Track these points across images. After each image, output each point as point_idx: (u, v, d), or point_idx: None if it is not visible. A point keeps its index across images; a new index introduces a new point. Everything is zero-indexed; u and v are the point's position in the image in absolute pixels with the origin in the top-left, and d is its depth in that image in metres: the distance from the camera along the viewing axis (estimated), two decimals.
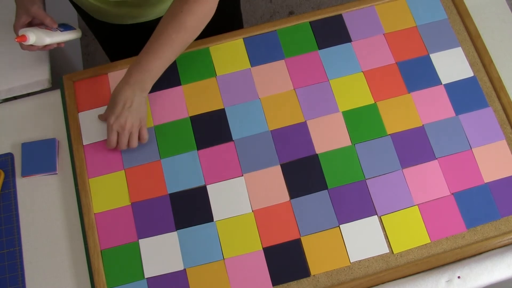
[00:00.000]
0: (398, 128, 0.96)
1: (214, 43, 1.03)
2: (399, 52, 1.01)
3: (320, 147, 0.95)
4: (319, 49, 1.02)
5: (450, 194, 0.92)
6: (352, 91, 0.99)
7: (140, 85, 0.89)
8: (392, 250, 0.88)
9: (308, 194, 0.92)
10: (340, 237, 0.89)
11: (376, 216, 0.90)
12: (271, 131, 0.96)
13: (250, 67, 1.01)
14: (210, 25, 0.94)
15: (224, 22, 1.16)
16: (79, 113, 0.98)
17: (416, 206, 0.91)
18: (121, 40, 1.17)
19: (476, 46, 1.01)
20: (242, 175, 0.93)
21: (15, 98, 1.03)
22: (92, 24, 1.15)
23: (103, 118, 0.95)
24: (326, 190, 0.92)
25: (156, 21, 1.02)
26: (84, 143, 0.96)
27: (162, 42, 0.87)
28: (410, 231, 0.89)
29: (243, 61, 1.02)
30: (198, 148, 0.95)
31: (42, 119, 0.99)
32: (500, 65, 1.01)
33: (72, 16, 1.75)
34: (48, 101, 1.01)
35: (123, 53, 1.07)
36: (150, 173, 0.93)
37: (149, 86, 0.90)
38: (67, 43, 0.98)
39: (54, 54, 1.19)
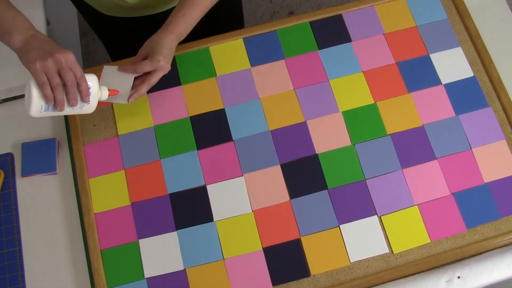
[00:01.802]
0: (398, 128, 0.96)
1: (214, 43, 1.03)
2: (399, 52, 1.01)
3: (320, 147, 0.95)
4: (319, 49, 1.02)
5: (450, 194, 0.92)
6: (352, 91, 0.99)
7: (182, 36, 0.93)
8: (392, 250, 0.88)
9: (308, 194, 0.92)
10: (340, 237, 0.89)
11: (376, 216, 0.90)
12: (271, 131, 0.96)
13: (250, 67, 1.01)
14: (211, 25, 0.95)
15: (226, 22, 1.16)
16: (79, 114, 0.98)
17: (416, 206, 0.91)
18: (127, 36, 1.17)
19: (476, 46, 1.01)
20: (242, 175, 0.93)
21: (15, 98, 1.03)
22: (97, 21, 1.15)
23: (159, 64, 0.89)
24: (326, 190, 0.92)
25: (167, 13, 1.03)
26: (84, 143, 0.96)
27: None
28: (410, 231, 0.89)
29: (243, 61, 1.02)
30: (198, 148, 0.95)
31: (42, 119, 0.99)
32: (500, 65, 1.01)
33: (71, 14, 1.75)
34: None
35: (126, 49, 1.07)
36: (150, 173, 0.93)
37: None
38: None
39: None
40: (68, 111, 0.83)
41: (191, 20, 0.91)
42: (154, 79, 0.89)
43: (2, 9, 0.82)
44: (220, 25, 1.10)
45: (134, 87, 0.90)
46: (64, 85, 0.79)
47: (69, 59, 0.79)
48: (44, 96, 0.79)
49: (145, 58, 0.89)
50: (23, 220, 0.93)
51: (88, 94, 0.83)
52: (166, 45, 0.89)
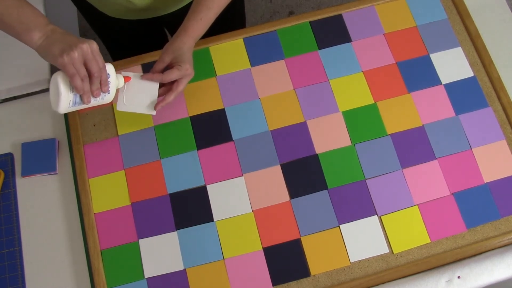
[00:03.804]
0: (398, 128, 0.96)
1: (214, 43, 1.03)
2: (399, 52, 1.01)
3: (320, 147, 0.95)
4: (319, 49, 1.02)
5: (450, 194, 0.92)
6: (352, 91, 0.99)
7: (198, 39, 0.92)
8: (392, 250, 0.88)
9: (308, 194, 0.92)
10: (340, 237, 0.89)
11: (376, 216, 0.90)
12: (271, 131, 0.96)
13: (250, 67, 1.01)
14: (214, 26, 0.95)
15: (231, 23, 1.16)
16: (79, 113, 0.98)
17: (416, 206, 0.91)
18: (128, 36, 1.17)
19: (476, 46, 1.01)
20: (242, 175, 0.93)
21: (15, 98, 1.03)
22: (97, 21, 1.15)
23: (183, 72, 0.89)
24: (326, 190, 0.92)
25: (173, 15, 1.02)
26: (84, 143, 0.96)
27: None
28: (410, 231, 0.89)
29: (243, 61, 1.02)
30: (198, 148, 0.95)
31: (42, 119, 0.99)
32: (500, 65, 1.01)
33: (71, 14, 1.75)
34: (48, 101, 1.00)
35: (127, 49, 1.07)
36: (150, 173, 0.93)
37: None
38: None
39: None
40: (92, 102, 0.83)
41: (208, 23, 0.92)
42: (182, 86, 0.89)
43: (19, 4, 0.80)
44: (223, 26, 1.10)
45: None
46: (90, 76, 0.79)
47: (94, 48, 0.79)
48: (75, 88, 0.78)
49: (169, 65, 0.89)
50: (23, 220, 0.93)
51: (108, 83, 0.82)
52: (188, 51, 0.90)
